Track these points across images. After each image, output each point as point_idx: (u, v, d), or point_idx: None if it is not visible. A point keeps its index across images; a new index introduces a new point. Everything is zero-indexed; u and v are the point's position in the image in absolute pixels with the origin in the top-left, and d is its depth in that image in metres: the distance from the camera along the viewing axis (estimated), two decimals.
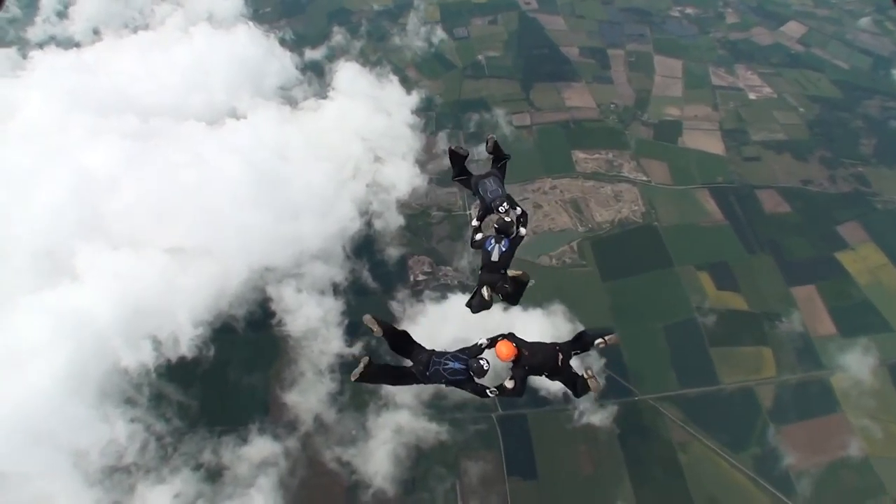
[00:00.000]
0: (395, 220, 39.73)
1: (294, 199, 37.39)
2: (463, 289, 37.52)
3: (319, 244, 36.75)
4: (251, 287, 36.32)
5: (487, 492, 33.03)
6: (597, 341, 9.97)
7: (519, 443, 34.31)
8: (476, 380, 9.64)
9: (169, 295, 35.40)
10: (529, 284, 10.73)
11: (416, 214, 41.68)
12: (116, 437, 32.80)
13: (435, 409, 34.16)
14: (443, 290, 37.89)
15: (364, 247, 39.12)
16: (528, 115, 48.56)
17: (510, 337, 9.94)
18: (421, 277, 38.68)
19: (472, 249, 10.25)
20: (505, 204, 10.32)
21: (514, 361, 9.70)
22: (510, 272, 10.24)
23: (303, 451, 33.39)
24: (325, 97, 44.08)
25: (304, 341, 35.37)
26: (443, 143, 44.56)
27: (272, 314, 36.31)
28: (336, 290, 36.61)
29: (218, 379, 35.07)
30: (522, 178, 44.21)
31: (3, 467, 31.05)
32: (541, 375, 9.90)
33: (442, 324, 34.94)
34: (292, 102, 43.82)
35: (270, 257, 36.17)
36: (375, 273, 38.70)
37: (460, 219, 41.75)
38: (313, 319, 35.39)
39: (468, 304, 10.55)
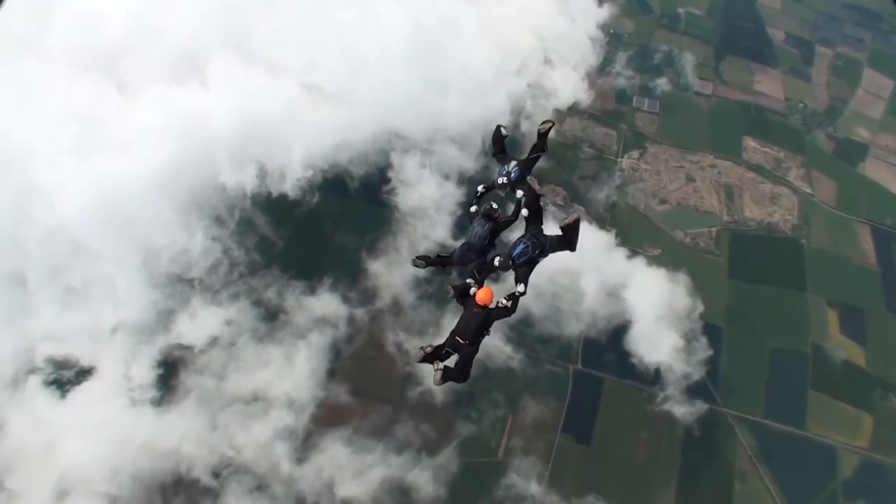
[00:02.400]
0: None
1: (448, 74, 34.47)
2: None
3: (459, 127, 34.29)
4: (376, 148, 34.38)
5: (535, 438, 31.42)
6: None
7: (586, 404, 32.39)
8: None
9: (290, 127, 34.12)
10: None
11: (567, 144, 38.38)
12: (191, 248, 32.45)
13: (517, 333, 32.13)
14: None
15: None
16: (712, 84, 44.22)
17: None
18: (549, 207, 35.59)
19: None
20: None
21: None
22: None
23: (368, 323, 32.12)
24: None
25: (411, 218, 33.59)
26: (614, 78, 40.55)
27: (387, 181, 34.45)
28: (461, 178, 34.05)
29: (311, 227, 33.79)
30: (685, 146, 40.64)
31: (81, 236, 31.13)
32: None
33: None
34: None
35: (405, 124, 33.81)
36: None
37: (609, 163, 38.41)
38: (427, 200, 33.47)
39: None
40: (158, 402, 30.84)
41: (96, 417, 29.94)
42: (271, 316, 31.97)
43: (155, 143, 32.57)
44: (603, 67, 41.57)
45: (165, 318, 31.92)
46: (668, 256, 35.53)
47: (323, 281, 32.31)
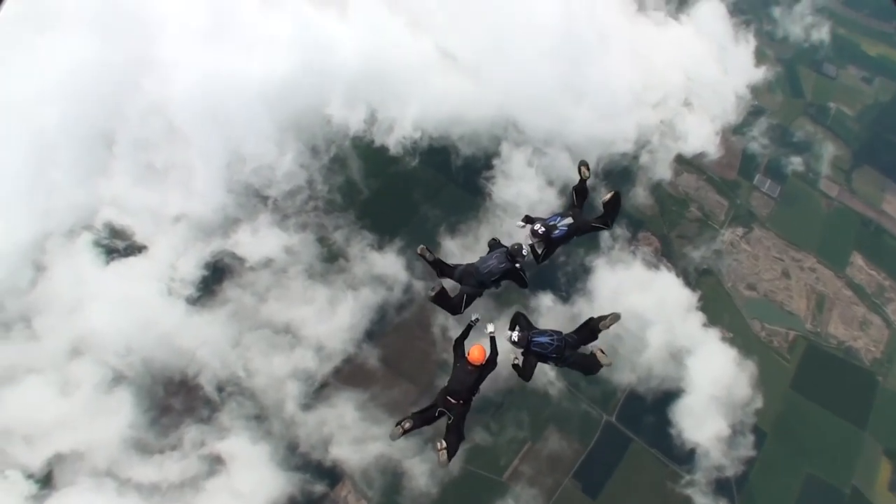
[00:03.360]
0: (659, 174, 34.62)
1: (586, 83, 33.24)
2: None
3: (579, 139, 33.12)
4: (490, 133, 33.30)
5: (545, 472, 30.01)
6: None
7: (607, 457, 30.80)
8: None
9: (413, 84, 33.31)
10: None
11: (676, 199, 36.61)
12: (277, 167, 32.01)
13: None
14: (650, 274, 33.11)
15: (617, 172, 34.54)
16: (839, 188, 41.59)
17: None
18: (636, 249, 34.01)
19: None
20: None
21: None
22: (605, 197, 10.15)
23: (423, 298, 30.66)
24: (675, 17, 38.31)
25: (501, 212, 32.55)
26: (748, 141, 38.46)
27: (490, 167, 33.21)
28: (564, 189, 32.83)
29: (400, 188, 33.13)
30: (791, 241, 38.35)
31: (178, 119, 31.40)
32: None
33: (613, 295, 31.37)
34: (643, 7, 38.26)
35: (527, 118, 32.81)
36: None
37: (711, 231, 36.55)
38: (524, 199, 32.32)
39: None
40: (193, 302, 30.53)
41: (130, 293, 29.77)
42: (331, 257, 31.34)
43: (278, 55, 32.10)
44: (739, 129, 39.39)
45: (228, 225, 31.65)
46: (738, 342, 33.12)
47: (394, 242, 31.43)
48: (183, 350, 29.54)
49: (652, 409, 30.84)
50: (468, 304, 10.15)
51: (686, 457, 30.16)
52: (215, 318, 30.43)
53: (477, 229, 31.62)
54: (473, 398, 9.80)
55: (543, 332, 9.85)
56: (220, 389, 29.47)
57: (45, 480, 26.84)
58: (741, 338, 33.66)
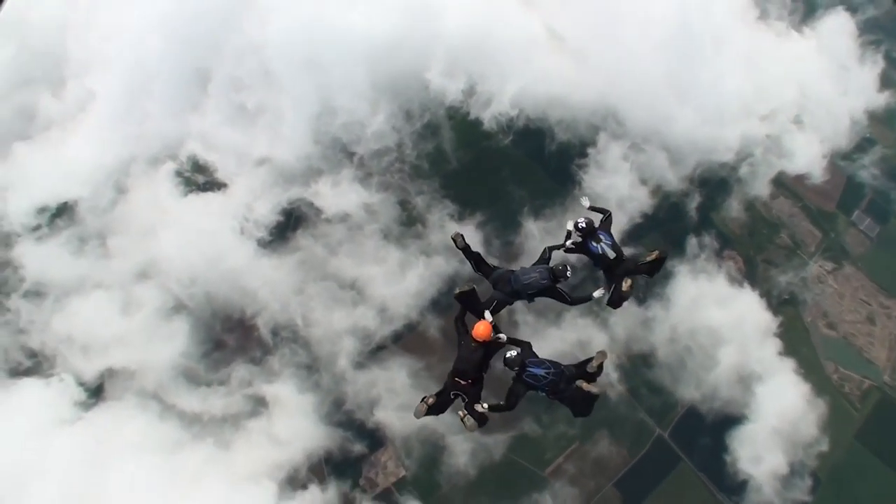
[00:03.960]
0: (756, 189, 32.78)
1: (694, 84, 31.77)
2: None
3: (679, 141, 31.66)
4: (587, 123, 32.16)
5: (588, 475, 29.07)
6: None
7: (651, 474, 29.57)
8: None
9: (517, 61, 32.38)
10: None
11: (768, 222, 34.66)
12: (368, 126, 31.83)
13: (633, 365, 30.00)
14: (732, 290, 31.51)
15: (713, 182, 32.92)
16: None
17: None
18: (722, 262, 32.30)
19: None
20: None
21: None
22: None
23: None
24: (798, 29, 36.05)
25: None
26: (857, 168, 36.10)
27: (584, 155, 31.93)
28: (656, 190, 31.89)
29: (490, 164, 32.31)
30: (883, 286, 35.70)
31: (275, 64, 31.78)
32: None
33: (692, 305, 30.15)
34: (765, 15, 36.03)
35: (629, 110, 31.73)
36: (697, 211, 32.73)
37: (799, 262, 34.44)
38: (614, 193, 31.15)
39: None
40: (264, 245, 30.78)
41: (202, 226, 30.30)
42: (409, 221, 31.04)
43: (382, 12, 31.79)
44: (849, 155, 36.81)
45: (310, 175, 31.58)
46: (810, 380, 31.29)
47: (475, 215, 30.75)
48: (246, 290, 29.70)
49: (709, 431, 29.40)
50: (497, 311, 9.81)
51: (736, 487, 28.59)
52: (283, 264, 30.50)
53: (562, 216, 30.47)
54: (484, 376, 9.50)
55: (541, 363, 9.43)
56: (275, 334, 29.57)
57: (96, 391, 27.71)
58: (813, 375, 31.73)
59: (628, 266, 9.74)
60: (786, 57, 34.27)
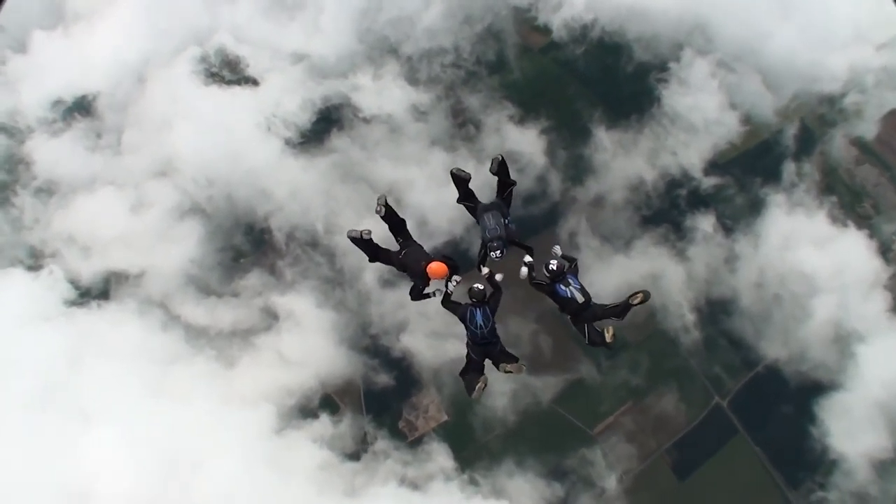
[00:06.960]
0: (862, 129, 28.21)
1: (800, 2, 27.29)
2: None
3: (776, 64, 27.61)
4: (671, 41, 28.53)
5: (639, 438, 25.23)
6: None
7: (707, 441, 25.46)
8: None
9: None
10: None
11: (879, 155, 29.66)
12: (418, 23, 28.85)
13: (712, 310, 25.76)
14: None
15: (811, 117, 28.55)
16: None
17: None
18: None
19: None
20: (499, 251, 8.63)
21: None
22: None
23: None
24: None
25: (667, 121, 27.80)
26: None
27: (664, 70, 27.99)
28: (747, 116, 27.49)
29: (556, 74, 28.75)
30: None
31: None
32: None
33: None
34: None
35: (719, 25, 28.09)
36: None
37: None
38: (698, 114, 27.49)
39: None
40: (294, 145, 27.71)
41: (223, 118, 27.64)
42: (460, 124, 27.43)
43: None
44: None
45: (351, 70, 28.35)
46: None
47: (538, 121, 26.78)
48: (265, 192, 26.92)
49: (793, 398, 24.78)
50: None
51: (826, 467, 23.85)
52: (311, 165, 27.65)
53: (636, 136, 26.61)
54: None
55: (478, 312, 8.79)
56: (292, 238, 26.79)
57: (87, 292, 25.35)
58: None
59: (595, 311, 8.91)
60: None
